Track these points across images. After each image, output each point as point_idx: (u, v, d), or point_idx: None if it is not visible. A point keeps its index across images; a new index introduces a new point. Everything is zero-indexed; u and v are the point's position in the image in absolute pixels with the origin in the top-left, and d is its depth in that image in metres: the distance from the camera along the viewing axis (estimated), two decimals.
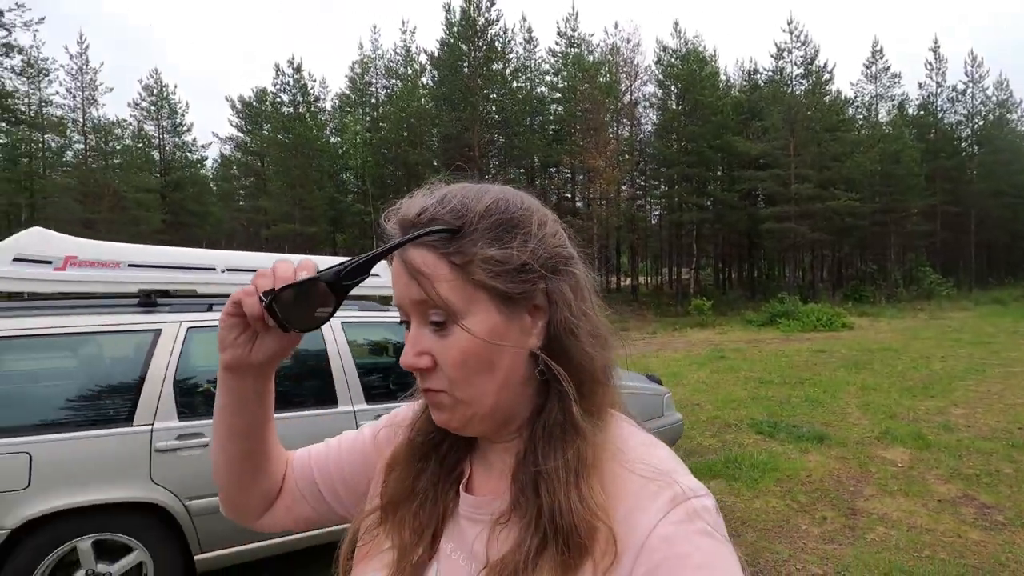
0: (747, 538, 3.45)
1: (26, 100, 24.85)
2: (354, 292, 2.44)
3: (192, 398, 2.68)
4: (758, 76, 35.63)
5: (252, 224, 33.75)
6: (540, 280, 0.52)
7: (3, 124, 24.37)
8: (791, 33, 30.61)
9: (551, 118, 31.23)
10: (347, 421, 2.91)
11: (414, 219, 0.51)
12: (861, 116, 35.54)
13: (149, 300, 2.79)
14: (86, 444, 2.43)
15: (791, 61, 31.00)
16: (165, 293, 2.97)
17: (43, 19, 22.84)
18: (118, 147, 31.90)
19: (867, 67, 35.35)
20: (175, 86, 39.55)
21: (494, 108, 27.74)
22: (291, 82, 29.99)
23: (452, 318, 0.49)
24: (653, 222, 35.65)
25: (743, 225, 31.24)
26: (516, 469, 0.53)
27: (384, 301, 3.73)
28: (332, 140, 31.77)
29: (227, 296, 2.53)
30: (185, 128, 34.95)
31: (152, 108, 33.51)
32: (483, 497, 0.57)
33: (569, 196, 32.62)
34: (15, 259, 2.67)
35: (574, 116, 26.99)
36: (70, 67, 29.45)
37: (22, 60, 23.23)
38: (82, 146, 30.68)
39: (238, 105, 32.85)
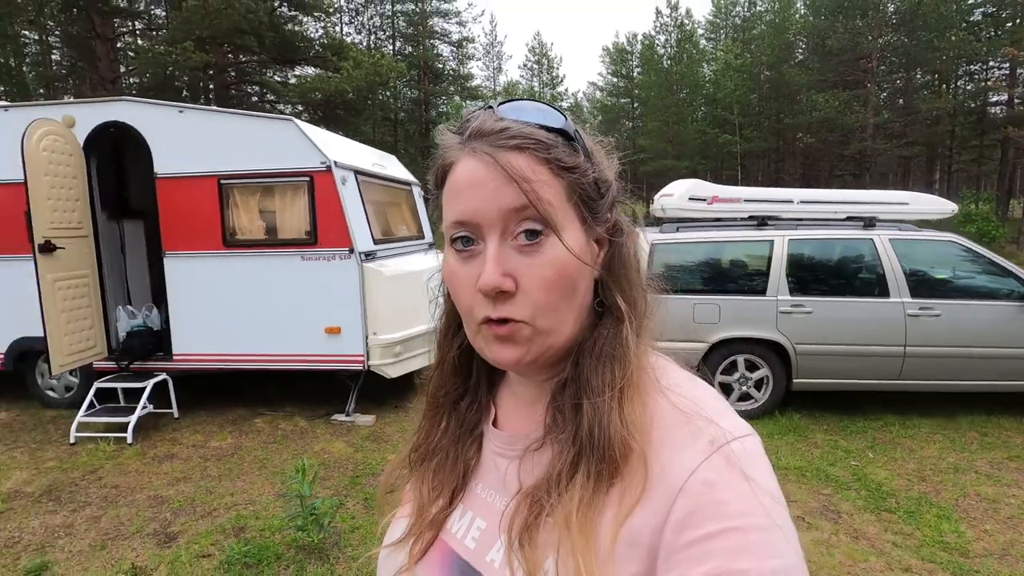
0: None
1: (465, 80, 33.03)
2: (889, 217, 4.78)
3: (797, 281, 4.40)
4: None
5: (627, 161, 37.36)
6: (612, 209, 0.53)
7: (447, 99, 33.18)
8: None
9: (978, 1, 24.42)
10: (896, 310, 4.22)
11: (499, 129, 0.47)
12: None
13: (762, 222, 4.62)
14: (744, 304, 4.41)
15: None
16: (768, 218, 4.68)
17: (483, 12, 29.61)
18: None
19: None
20: (551, 43, 45.84)
21: (895, 6, 23.39)
22: (669, 22, 31.37)
23: (550, 228, 0.47)
24: None
25: None
26: (555, 394, 0.52)
27: (920, 224, 4.72)
28: (701, 71, 32.12)
29: (802, 220, 4.63)
30: (559, 79, 40.59)
31: (536, 67, 39.91)
32: (514, 433, 0.57)
33: (994, 100, 25.43)
34: (690, 198, 4.74)
35: None
36: (485, 43, 37.45)
37: (471, 48, 30.86)
38: None
39: (612, 52, 36.26)
